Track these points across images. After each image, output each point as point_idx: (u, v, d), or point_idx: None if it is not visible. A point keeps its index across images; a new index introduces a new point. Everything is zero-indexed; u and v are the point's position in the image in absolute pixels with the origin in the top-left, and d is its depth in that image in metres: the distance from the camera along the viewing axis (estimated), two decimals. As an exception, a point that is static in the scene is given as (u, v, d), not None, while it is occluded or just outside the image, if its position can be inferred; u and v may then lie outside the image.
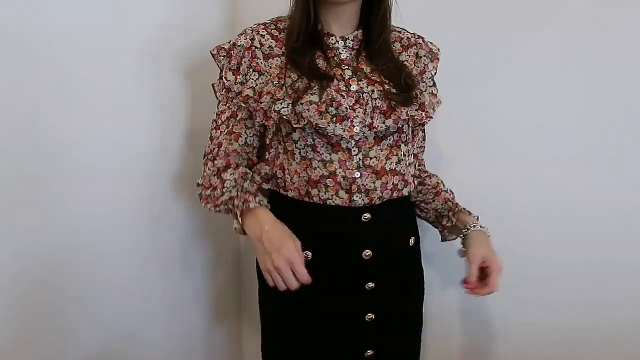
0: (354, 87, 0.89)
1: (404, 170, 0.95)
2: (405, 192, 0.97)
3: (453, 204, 1.06)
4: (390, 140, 0.92)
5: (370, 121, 0.87)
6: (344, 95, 0.87)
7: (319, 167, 0.90)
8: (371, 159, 0.90)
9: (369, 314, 0.94)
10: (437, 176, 1.11)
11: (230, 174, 0.91)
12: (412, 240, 1.01)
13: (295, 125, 0.88)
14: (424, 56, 1.00)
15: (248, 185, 0.89)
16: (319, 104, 0.85)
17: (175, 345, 1.26)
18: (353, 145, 0.89)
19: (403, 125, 0.93)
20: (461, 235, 1.01)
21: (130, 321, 1.10)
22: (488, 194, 1.20)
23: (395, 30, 1.00)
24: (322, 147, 0.89)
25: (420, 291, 1.07)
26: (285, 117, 0.87)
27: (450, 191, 1.09)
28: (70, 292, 0.94)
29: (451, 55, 1.07)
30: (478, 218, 1.04)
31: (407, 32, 1.02)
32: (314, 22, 0.90)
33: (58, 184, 0.90)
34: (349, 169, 0.89)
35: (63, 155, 0.90)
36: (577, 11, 1.11)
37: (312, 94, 0.86)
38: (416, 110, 0.91)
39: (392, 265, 0.96)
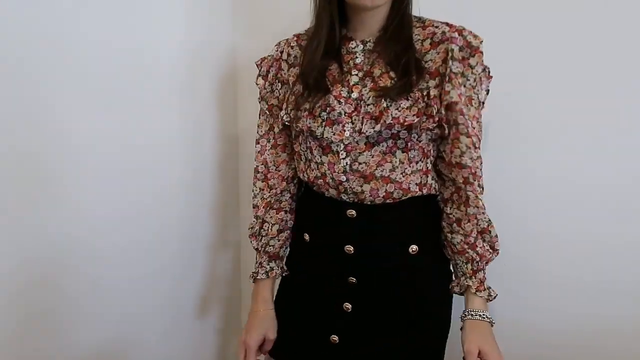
0: (354, 94, 0.91)
1: (401, 179, 0.92)
2: (404, 200, 0.93)
3: (472, 267, 0.97)
4: (383, 146, 0.90)
5: (360, 126, 0.88)
6: (342, 101, 0.91)
7: (315, 168, 0.96)
8: (360, 163, 0.91)
9: (346, 304, 0.97)
10: (479, 219, 0.94)
11: (268, 220, 1.06)
12: (413, 248, 0.94)
13: (295, 130, 0.98)
14: (456, 50, 0.88)
15: (272, 242, 1.06)
16: (314, 109, 0.92)
17: (172, 346, 1.27)
18: (341, 149, 0.91)
19: (399, 132, 0.89)
20: (461, 317, 0.98)
21: (128, 321, 1.11)
22: (492, 194, 1.19)
23: (432, 25, 0.92)
24: (316, 149, 0.95)
25: (425, 301, 0.98)
26: (286, 123, 0.98)
27: (482, 244, 0.95)
28: (67, 292, 0.96)
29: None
30: (489, 294, 0.97)
31: (448, 25, 0.91)
32: (337, 30, 0.93)
33: (59, 184, 0.91)
34: (335, 172, 0.92)
35: (64, 155, 0.92)
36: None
37: (308, 102, 0.93)
38: (408, 109, 0.86)
39: (378, 266, 0.95)
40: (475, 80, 0.90)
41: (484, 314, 0.95)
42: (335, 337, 0.98)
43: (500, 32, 1.13)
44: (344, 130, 0.89)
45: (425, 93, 0.87)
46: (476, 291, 0.96)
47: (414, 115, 0.87)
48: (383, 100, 0.87)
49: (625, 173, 1.12)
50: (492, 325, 0.95)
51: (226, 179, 1.43)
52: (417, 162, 0.93)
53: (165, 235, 1.20)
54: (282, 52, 1.02)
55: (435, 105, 0.87)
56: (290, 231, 1.08)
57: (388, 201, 0.93)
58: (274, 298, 1.08)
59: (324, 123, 0.91)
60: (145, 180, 1.11)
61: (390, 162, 0.91)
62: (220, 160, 1.39)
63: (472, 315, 0.95)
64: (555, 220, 1.19)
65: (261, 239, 1.06)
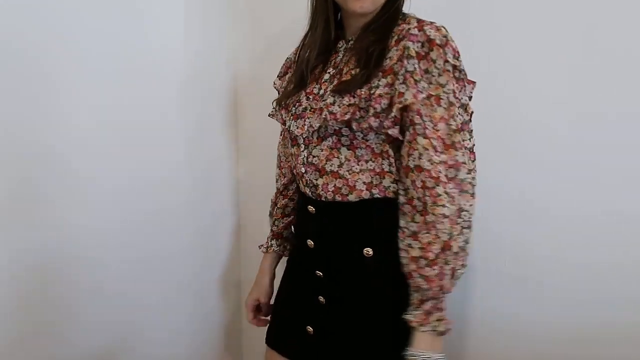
0: (321, 91, 0.93)
1: (347, 175, 0.91)
2: (352, 198, 0.91)
3: (420, 295, 0.85)
4: (329, 141, 0.91)
5: (311, 121, 0.92)
6: (310, 97, 0.95)
7: (291, 158, 1.03)
8: (314, 157, 0.94)
9: (320, 297, 0.99)
10: (439, 228, 0.82)
11: (277, 203, 1.18)
12: (367, 251, 0.90)
13: (279, 121, 1.05)
14: (412, 48, 0.82)
15: (277, 222, 1.17)
16: (287, 103, 0.99)
17: (171, 350, 1.28)
18: (302, 142, 0.96)
19: (340, 128, 0.89)
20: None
21: (125, 326, 1.12)
22: (496, 192, 1.19)
23: (408, 22, 0.87)
24: (289, 140, 1.02)
25: (380, 304, 0.92)
26: (272, 113, 1.08)
27: (443, 265, 0.83)
28: (65, 297, 0.97)
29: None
30: (434, 327, 0.83)
31: (419, 21, 0.86)
32: (332, 31, 0.96)
33: (57, 190, 0.93)
34: (299, 163, 0.97)
35: (62, 161, 0.93)
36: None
37: (286, 97, 1.00)
38: (348, 106, 0.85)
39: (337, 263, 0.95)
40: (440, 75, 0.82)
41: (426, 356, 0.82)
42: (310, 328, 1.00)
43: (499, 31, 1.13)
44: (305, 125, 0.94)
45: (372, 92, 0.84)
46: (418, 325, 0.83)
47: (349, 113, 0.85)
48: (331, 96, 0.89)
49: (626, 172, 1.13)
50: None
51: (227, 179, 1.44)
52: (366, 162, 0.90)
53: (166, 237, 1.21)
54: (296, 55, 1.08)
55: (377, 105, 0.83)
56: (295, 217, 1.15)
57: (337, 198, 0.92)
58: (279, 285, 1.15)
59: (292, 117, 0.97)
60: (142, 182, 1.13)
61: (338, 157, 0.92)
62: (222, 160, 1.41)
63: (413, 357, 0.82)
64: (557, 220, 1.19)
65: (271, 219, 1.20)
